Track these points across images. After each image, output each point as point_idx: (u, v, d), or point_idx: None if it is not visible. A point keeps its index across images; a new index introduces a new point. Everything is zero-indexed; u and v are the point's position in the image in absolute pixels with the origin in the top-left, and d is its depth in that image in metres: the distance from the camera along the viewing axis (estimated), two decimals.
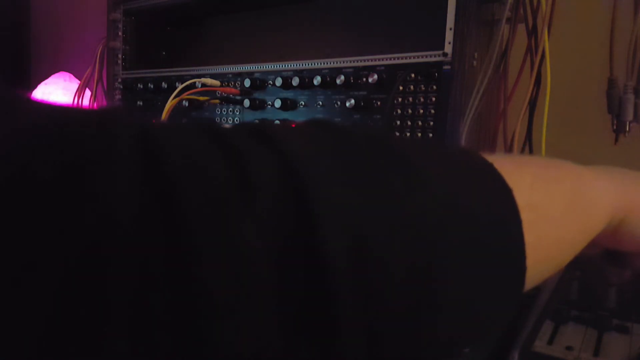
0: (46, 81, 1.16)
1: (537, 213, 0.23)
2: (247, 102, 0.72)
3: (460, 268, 0.20)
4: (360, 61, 0.63)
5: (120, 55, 0.91)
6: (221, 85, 0.76)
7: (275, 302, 0.15)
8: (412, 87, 0.59)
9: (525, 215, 0.22)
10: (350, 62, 0.64)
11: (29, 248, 0.13)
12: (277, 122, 0.71)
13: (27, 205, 0.13)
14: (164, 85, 0.83)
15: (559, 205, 0.25)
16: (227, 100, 0.75)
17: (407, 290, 0.18)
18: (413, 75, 0.59)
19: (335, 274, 0.16)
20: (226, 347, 0.15)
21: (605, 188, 0.29)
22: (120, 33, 0.90)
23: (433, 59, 0.58)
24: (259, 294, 0.15)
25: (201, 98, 0.77)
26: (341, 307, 0.16)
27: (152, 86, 0.85)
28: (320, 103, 0.67)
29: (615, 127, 0.59)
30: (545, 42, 0.57)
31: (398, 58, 0.60)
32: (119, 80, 0.92)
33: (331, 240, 0.16)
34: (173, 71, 0.83)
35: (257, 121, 0.72)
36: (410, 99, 0.59)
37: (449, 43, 0.56)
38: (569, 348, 0.36)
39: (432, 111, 0.58)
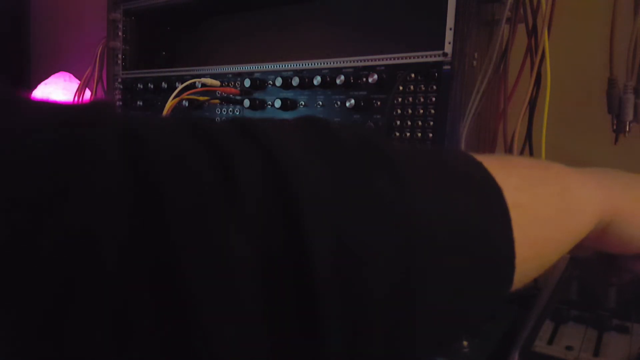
0: (46, 81, 1.16)
1: (522, 212, 0.23)
2: (247, 102, 0.72)
3: (447, 274, 0.20)
4: (360, 61, 0.63)
5: (120, 55, 0.91)
6: (221, 85, 0.76)
7: (261, 308, 0.15)
8: (412, 87, 0.59)
9: (511, 215, 0.22)
10: (350, 62, 0.64)
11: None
12: None
13: (7, 225, 0.13)
14: (164, 85, 0.83)
15: (545, 206, 0.25)
16: (227, 100, 0.75)
17: (390, 296, 0.18)
18: (413, 75, 0.59)
19: (321, 280, 0.16)
20: (213, 353, 0.15)
21: (592, 191, 0.29)
22: (120, 33, 0.90)
23: (433, 59, 0.57)
24: (245, 299, 0.15)
25: (201, 98, 0.77)
26: (326, 312, 0.16)
27: (152, 86, 0.85)
28: (320, 103, 0.67)
29: (615, 127, 0.59)
30: (545, 42, 0.57)
31: (398, 58, 0.60)
32: (119, 80, 0.92)
33: (318, 246, 0.16)
34: (173, 71, 0.83)
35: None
36: (410, 99, 0.59)
37: (449, 43, 0.56)
38: (569, 348, 0.36)
39: (432, 111, 0.58)
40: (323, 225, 0.16)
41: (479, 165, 0.23)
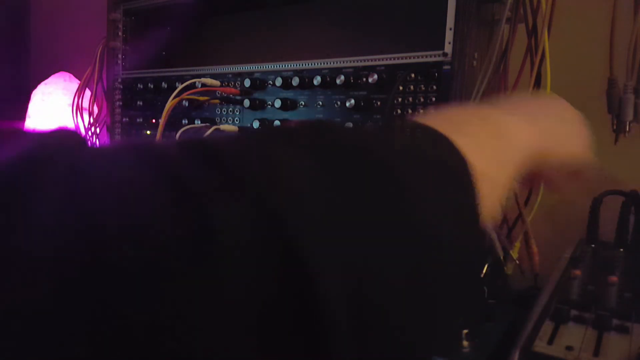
0: (46, 81, 1.16)
1: (482, 180, 0.24)
2: (247, 102, 0.72)
3: (448, 271, 0.20)
4: (360, 61, 0.63)
5: (120, 55, 0.91)
6: (221, 85, 0.76)
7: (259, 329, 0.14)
8: (412, 87, 0.59)
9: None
10: (350, 62, 0.64)
11: None
12: (277, 122, 0.71)
13: None
14: (164, 85, 0.83)
15: (492, 161, 0.27)
16: (227, 100, 0.75)
17: (401, 301, 0.18)
18: (413, 75, 0.59)
19: (336, 335, 0.15)
20: None
21: (527, 134, 0.31)
22: (120, 33, 0.90)
23: (433, 59, 0.57)
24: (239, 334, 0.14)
25: (201, 98, 0.77)
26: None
27: (152, 86, 0.85)
28: (320, 103, 0.67)
29: (615, 127, 0.59)
30: (545, 42, 0.57)
31: (398, 58, 0.60)
32: (119, 80, 0.92)
33: (329, 297, 0.15)
34: (173, 71, 0.83)
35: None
36: (410, 99, 0.59)
37: (449, 43, 0.56)
38: (569, 348, 0.36)
39: None
40: (322, 239, 0.16)
41: (451, 146, 0.24)
